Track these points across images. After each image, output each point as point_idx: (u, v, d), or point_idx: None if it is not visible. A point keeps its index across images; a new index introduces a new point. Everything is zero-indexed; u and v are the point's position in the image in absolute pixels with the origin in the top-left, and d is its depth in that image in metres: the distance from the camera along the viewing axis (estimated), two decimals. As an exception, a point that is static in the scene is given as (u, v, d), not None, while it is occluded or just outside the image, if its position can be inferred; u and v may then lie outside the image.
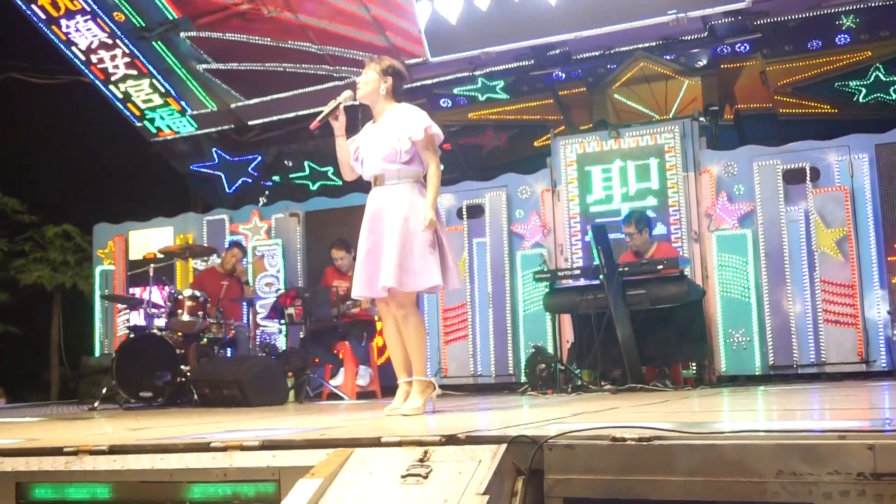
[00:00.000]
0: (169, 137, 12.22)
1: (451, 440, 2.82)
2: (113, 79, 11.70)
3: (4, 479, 3.32)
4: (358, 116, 5.13)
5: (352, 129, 5.06)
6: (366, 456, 2.85)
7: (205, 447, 3.15)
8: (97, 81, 11.78)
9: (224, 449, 3.11)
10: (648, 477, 2.59)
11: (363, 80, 4.90)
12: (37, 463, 3.34)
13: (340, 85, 10.92)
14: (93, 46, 11.43)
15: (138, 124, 12.13)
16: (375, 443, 2.91)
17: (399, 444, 2.87)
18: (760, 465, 2.48)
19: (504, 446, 2.74)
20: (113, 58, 11.50)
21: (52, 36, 11.41)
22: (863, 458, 2.38)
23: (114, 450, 3.27)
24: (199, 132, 12.11)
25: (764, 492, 2.47)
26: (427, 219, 4.67)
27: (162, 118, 12.04)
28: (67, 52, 11.55)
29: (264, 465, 2.99)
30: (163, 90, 11.72)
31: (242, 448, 3.09)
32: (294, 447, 3.04)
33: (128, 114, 12.05)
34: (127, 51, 11.41)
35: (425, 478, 2.69)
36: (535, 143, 11.01)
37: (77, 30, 11.32)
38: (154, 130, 12.14)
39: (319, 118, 4.87)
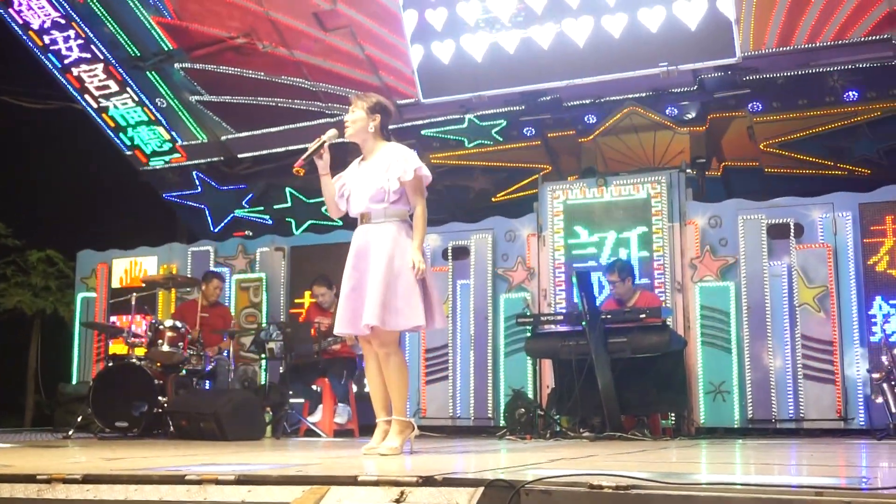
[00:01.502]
0: (157, 167, 12.23)
1: (427, 481, 2.81)
2: (104, 106, 11.74)
3: (-25, 504, 3.29)
4: (346, 155, 5.15)
5: (339, 167, 5.08)
6: (342, 494, 2.84)
7: (180, 480, 3.13)
8: (88, 108, 11.82)
9: (199, 482, 3.09)
10: (624, 526, 2.58)
11: (351, 118, 4.89)
12: (9, 490, 3.31)
13: (332, 122, 10.99)
14: (86, 73, 11.47)
15: (128, 153, 12.15)
16: (352, 481, 2.90)
17: (376, 483, 2.86)
18: (736, 518, 2.48)
19: (481, 490, 2.73)
20: (106, 86, 11.54)
21: (46, 62, 11.46)
22: (838, 515, 2.38)
23: (88, 479, 3.25)
24: (188, 163, 12.13)
25: (739, 545, 2.47)
26: (415, 262, 4.67)
27: (151, 147, 12.07)
28: (61, 78, 11.59)
29: (239, 500, 2.97)
30: (154, 120, 11.75)
31: (218, 482, 3.07)
32: (269, 483, 3.03)
33: (117, 142, 12.07)
34: (120, 79, 11.46)
35: (401, 519, 2.68)
36: (523, 187, 11.07)
37: (70, 57, 11.37)
38: (143, 160, 12.15)
39: (304, 157, 4.85)
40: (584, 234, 8.92)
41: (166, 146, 12.01)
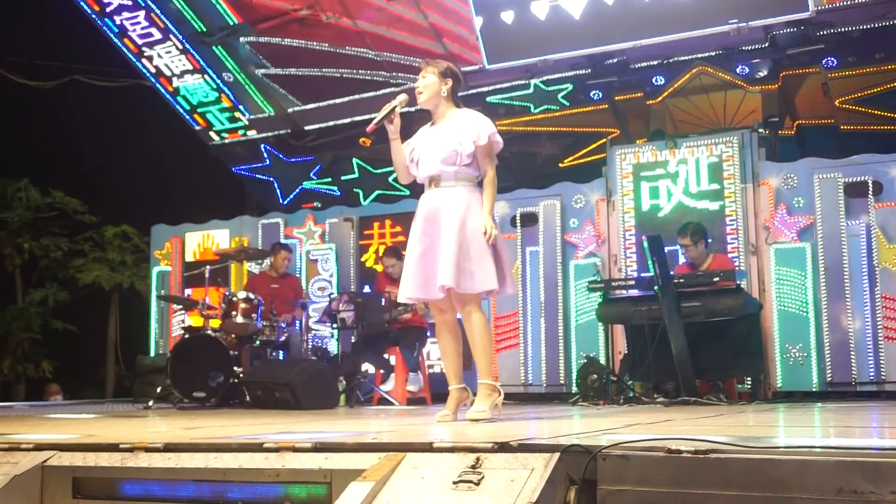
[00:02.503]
0: (227, 141, 12.37)
1: (503, 447, 2.80)
2: (174, 83, 11.89)
3: (62, 473, 3.37)
4: (412, 123, 5.10)
5: (406, 135, 5.05)
6: (418, 461, 2.84)
7: (258, 447, 3.16)
8: (158, 85, 11.99)
9: (277, 450, 3.12)
10: (704, 490, 2.54)
11: (424, 83, 4.84)
12: (93, 458, 3.39)
13: (397, 91, 10.97)
14: (155, 50, 11.62)
15: (197, 128, 12.31)
16: (427, 448, 2.90)
17: (451, 449, 2.85)
18: (820, 482, 2.42)
19: (557, 455, 2.71)
20: (174, 61, 11.69)
21: (118, 42, 11.62)
22: (927, 477, 2.31)
23: (168, 447, 3.31)
24: (256, 137, 12.25)
25: (823, 509, 2.41)
26: (487, 228, 4.62)
27: (220, 122, 12.21)
28: (131, 56, 11.76)
29: (316, 468, 3.00)
30: (222, 94, 11.87)
31: (295, 450, 3.10)
32: (346, 450, 3.04)
33: (187, 118, 12.24)
34: (188, 55, 11.59)
35: (477, 484, 2.67)
36: (588, 151, 10.96)
37: (138, 34, 11.53)
38: (212, 134, 12.31)
39: (375, 121, 4.80)
40: (653, 198, 8.78)
41: (235, 122, 12.14)
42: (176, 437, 3.62)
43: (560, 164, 11.21)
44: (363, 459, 2.94)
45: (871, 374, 7.88)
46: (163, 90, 12.02)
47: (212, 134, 12.32)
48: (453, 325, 4.85)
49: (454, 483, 2.70)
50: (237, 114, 12.06)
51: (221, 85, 11.82)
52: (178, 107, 12.15)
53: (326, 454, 3.04)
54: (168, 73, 11.81)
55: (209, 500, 3.15)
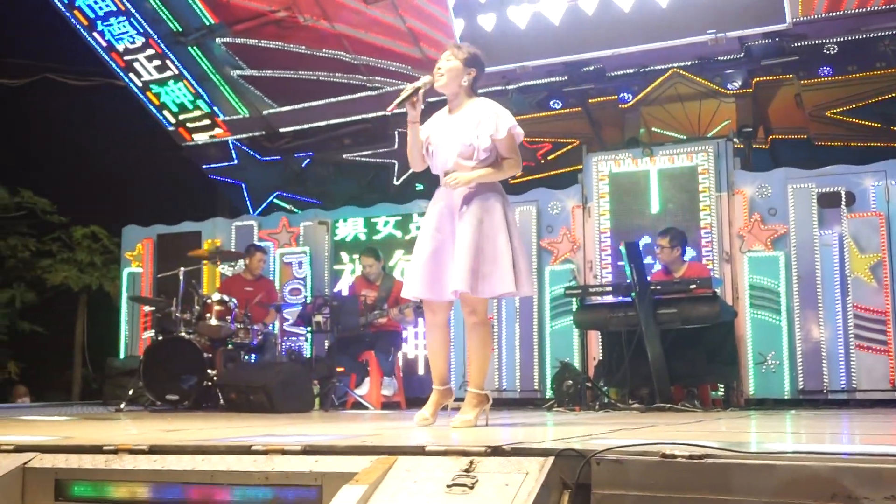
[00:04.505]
0: (199, 142, 12.28)
1: (496, 451, 2.80)
2: (147, 82, 11.79)
3: (44, 475, 3.32)
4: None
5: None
6: (410, 464, 2.83)
7: (246, 450, 3.13)
8: (131, 85, 11.88)
9: (265, 452, 3.09)
10: (698, 495, 2.55)
11: (446, 67, 4.55)
12: (76, 461, 3.34)
13: (373, 95, 10.97)
14: (128, 50, 11.53)
15: (170, 128, 12.21)
16: (420, 451, 2.89)
17: (444, 453, 2.84)
18: (814, 487, 2.44)
19: (551, 459, 2.71)
20: (149, 60, 11.59)
21: (90, 40, 11.51)
22: (922, 483, 2.34)
23: (154, 450, 3.27)
24: (230, 138, 12.17)
25: (818, 514, 2.43)
26: (459, 177, 4.40)
27: (194, 123, 12.12)
28: (104, 55, 11.65)
29: (307, 471, 2.97)
30: (196, 95, 11.79)
31: (284, 452, 3.08)
32: (336, 453, 3.02)
33: (160, 118, 12.13)
34: (162, 55, 11.50)
35: (471, 488, 2.67)
36: (566, 159, 11.01)
37: (114, 34, 11.43)
38: (186, 136, 12.21)
39: (397, 101, 4.53)
40: (629, 205, 8.83)
41: (208, 123, 12.05)
42: (160, 440, 3.57)
43: (539, 161, 11.22)
44: (354, 463, 2.92)
45: (843, 382, 7.97)
46: (136, 90, 11.91)
47: (185, 135, 12.22)
48: (445, 326, 4.68)
49: (448, 486, 2.70)
50: (211, 115, 11.97)
51: (196, 85, 11.73)
52: (150, 107, 12.04)
53: (317, 457, 3.01)
54: (142, 72, 11.70)
55: (196, 502, 3.11)
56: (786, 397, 8.12)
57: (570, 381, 7.54)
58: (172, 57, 11.51)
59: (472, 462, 2.78)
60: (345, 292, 9.52)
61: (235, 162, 12.39)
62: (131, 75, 11.76)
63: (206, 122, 12.05)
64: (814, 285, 8.14)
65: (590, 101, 10.64)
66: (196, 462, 3.16)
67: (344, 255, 10.21)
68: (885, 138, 9.67)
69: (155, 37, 11.37)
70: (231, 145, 12.33)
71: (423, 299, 4.59)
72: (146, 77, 11.71)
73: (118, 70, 11.77)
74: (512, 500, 2.58)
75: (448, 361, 4.78)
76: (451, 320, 4.77)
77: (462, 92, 4.58)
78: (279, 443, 3.17)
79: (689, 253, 8.31)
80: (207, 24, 11.27)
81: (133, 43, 11.46)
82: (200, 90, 11.75)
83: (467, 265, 4.33)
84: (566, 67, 10.22)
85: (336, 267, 10.23)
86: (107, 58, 11.66)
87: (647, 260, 8.20)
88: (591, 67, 10.19)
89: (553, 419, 5.72)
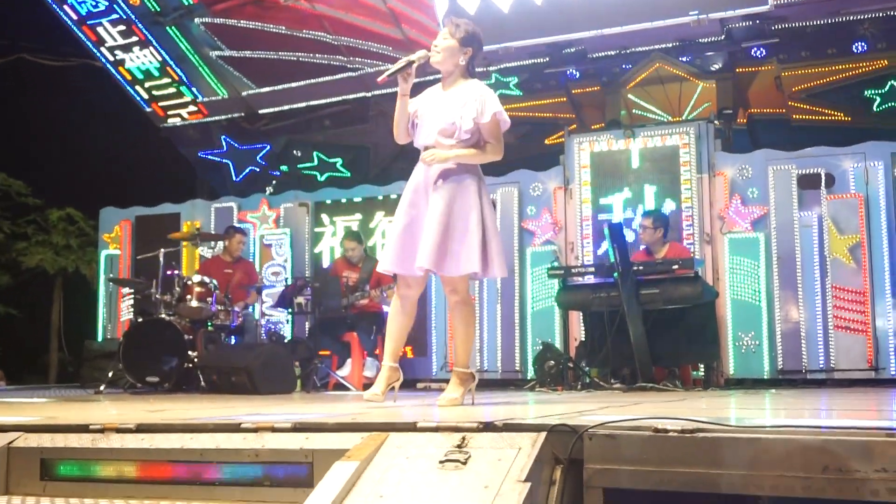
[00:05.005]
0: (178, 123, 12.18)
1: (488, 427, 2.79)
2: (124, 63, 11.67)
3: (30, 455, 3.28)
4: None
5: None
6: (402, 441, 2.82)
7: (235, 428, 3.11)
8: (108, 65, 11.76)
9: (255, 430, 3.07)
10: (691, 469, 2.56)
11: (443, 45, 4.51)
12: (62, 440, 3.31)
13: (353, 76, 10.91)
14: (106, 29, 11.39)
15: (148, 109, 12.09)
16: (411, 428, 2.88)
17: (436, 429, 2.84)
18: (806, 460, 2.45)
19: (543, 434, 2.71)
20: (126, 41, 11.46)
21: (64, 17, 11.37)
22: (912, 456, 2.36)
23: (141, 428, 3.24)
24: (208, 119, 12.08)
25: (809, 487, 2.44)
26: (436, 154, 4.40)
27: (171, 103, 12.01)
28: (80, 33, 11.50)
29: (297, 447, 2.96)
30: (175, 76, 11.68)
31: (274, 430, 3.06)
32: (327, 430, 3.01)
33: (138, 98, 12.02)
34: (141, 35, 11.37)
35: (464, 464, 2.66)
36: (547, 141, 11.00)
37: (90, 12, 11.29)
38: (162, 115, 12.11)
39: (388, 73, 4.51)
40: (611, 186, 8.86)
41: (187, 103, 11.95)
42: (147, 419, 3.54)
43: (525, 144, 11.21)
44: (345, 439, 2.91)
45: (821, 362, 8.04)
46: (112, 70, 11.79)
47: (162, 115, 12.11)
48: (413, 303, 4.64)
49: (440, 462, 2.69)
50: (189, 96, 11.86)
51: (174, 66, 11.61)
52: (128, 87, 11.92)
53: (307, 434, 3.00)
54: (119, 52, 11.57)
55: (185, 480, 3.09)
56: (765, 377, 8.20)
57: (552, 362, 7.54)
58: (150, 37, 11.38)
59: (464, 438, 2.77)
60: (326, 263, 9.50)
61: (222, 148, 12.30)
62: (107, 54, 11.61)
63: (178, 97, 11.86)
64: (793, 266, 8.20)
65: (573, 90, 10.63)
66: (185, 440, 3.14)
67: (324, 217, 10.18)
68: (864, 121, 9.72)
69: (133, 16, 11.24)
70: (214, 130, 12.22)
71: (397, 273, 4.58)
72: (119, 54, 11.53)
73: (94, 49, 11.62)
74: (505, 475, 2.58)
75: (404, 339, 4.67)
76: (432, 301, 4.74)
77: (457, 71, 4.55)
78: (270, 420, 3.15)
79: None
80: (186, 3, 11.16)
81: (110, 22, 11.31)
82: (179, 71, 11.61)
83: (434, 242, 4.33)
84: (548, 49, 10.20)
85: (316, 250, 10.21)
86: (82, 36, 11.50)
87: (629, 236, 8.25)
88: (573, 49, 10.18)
89: (536, 398, 5.73)
